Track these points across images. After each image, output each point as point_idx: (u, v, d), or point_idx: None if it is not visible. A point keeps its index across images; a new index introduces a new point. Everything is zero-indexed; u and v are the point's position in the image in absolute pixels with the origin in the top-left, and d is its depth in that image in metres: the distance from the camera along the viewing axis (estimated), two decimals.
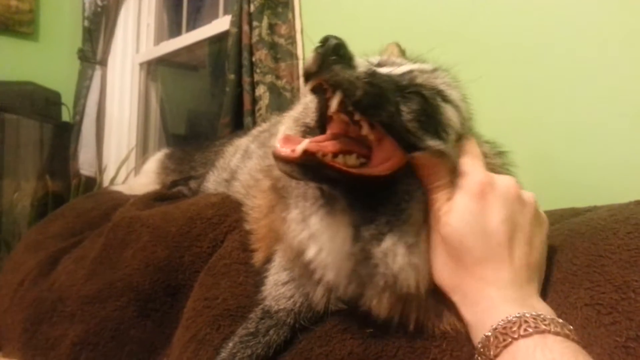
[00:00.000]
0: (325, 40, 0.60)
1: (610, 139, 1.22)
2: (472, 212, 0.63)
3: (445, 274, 0.65)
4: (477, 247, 0.63)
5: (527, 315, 0.57)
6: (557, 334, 0.55)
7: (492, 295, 0.61)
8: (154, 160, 1.97)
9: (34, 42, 3.92)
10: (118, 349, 1.08)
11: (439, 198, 0.65)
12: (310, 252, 0.71)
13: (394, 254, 0.65)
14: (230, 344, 0.82)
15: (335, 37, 0.61)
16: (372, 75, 0.62)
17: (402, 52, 0.78)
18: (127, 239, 1.24)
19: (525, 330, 0.55)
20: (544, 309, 0.60)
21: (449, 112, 0.69)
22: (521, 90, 1.38)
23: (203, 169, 1.68)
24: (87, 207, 1.74)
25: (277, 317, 0.82)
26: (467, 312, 0.63)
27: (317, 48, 0.61)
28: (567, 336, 0.56)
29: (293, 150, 0.61)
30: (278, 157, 0.62)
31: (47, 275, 1.37)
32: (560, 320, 0.58)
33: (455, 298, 0.64)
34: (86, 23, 3.51)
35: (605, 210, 0.78)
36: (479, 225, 0.63)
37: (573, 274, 0.67)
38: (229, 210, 1.21)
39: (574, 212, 0.89)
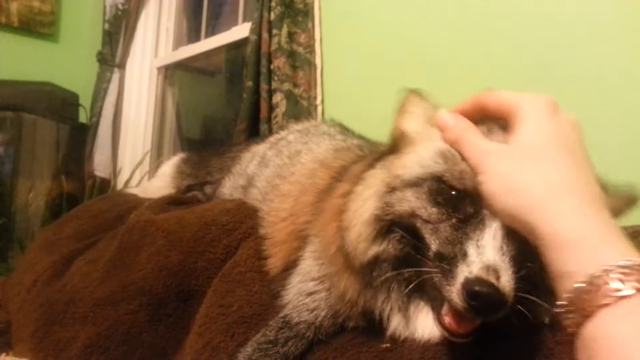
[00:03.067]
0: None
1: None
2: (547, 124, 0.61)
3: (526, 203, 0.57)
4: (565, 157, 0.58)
5: (635, 265, 0.47)
6: None
7: (586, 218, 0.53)
8: (170, 164, 1.97)
9: (54, 43, 3.96)
10: (129, 352, 1.07)
11: None
12: None
13: None
14: (249, 349, 0.81)
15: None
16: None
17: (424, 100, 0.75)
18: (141, 242, 1.24)
19: (634, 287, 0.46)
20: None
21: None
22: None
23: (219, 175, 1.67)
24: (102, 209, 1.74)
25: (297, 329, 0.81)
26: (551, 240, 0.53)
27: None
28: None
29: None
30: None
31: (60, 276, 1.37)
32: None
33: (535, 220, 0.55)
34: (106, 26, 3.54)
35: None
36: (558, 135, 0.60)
37: None
38: (243, 217, 1.21)
39: None
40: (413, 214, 0.67)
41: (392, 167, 0.74)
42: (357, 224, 0.72)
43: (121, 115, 3.56)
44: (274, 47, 2.08)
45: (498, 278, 0.56)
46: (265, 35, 2.11)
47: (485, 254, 0.59)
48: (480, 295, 0.56)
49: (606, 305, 0.47)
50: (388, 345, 0.73)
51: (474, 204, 0.63)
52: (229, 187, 1.50)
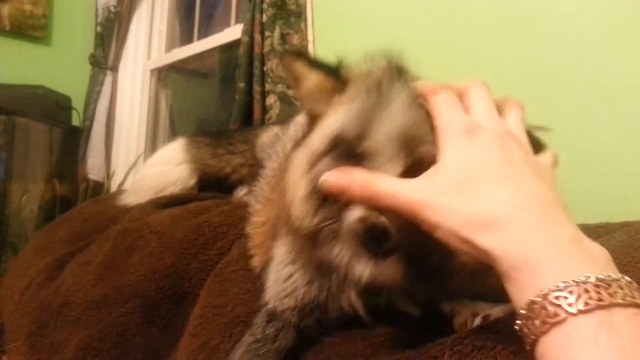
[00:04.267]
0: None
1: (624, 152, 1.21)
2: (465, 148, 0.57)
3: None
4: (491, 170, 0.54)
5: (589, 281, 0.44)
6: (626, 305, 0.43)
7: (535, 241, 0.49)
8: (175, 145, 1.82)
9: (46, 47, 3.95)
10: (122, 355, 1.07)
11: None
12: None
13: None
14: (238, 354, 0.79)
15: None
16: None
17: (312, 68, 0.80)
18: (135, 244, 1.24)
19: (585, 303, 0.43)
20: (601, 261, 0.48)
21: None
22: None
23: (244, 146, 1.63)
24: (95, 211, 1.73)
25: (283, 318, 0.80)
26: (505, 271, 0.50)
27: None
28: (637, 306, 0.43)
29: None
30: None
31: (53, 279, 1.37)
32: (627, 280, 0.45)
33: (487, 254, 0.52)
34: (99, 29, 3.54)
35: (621, 232, 0.77)
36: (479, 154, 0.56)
37: None
38: (237, 220, 1.21)
39: (585, 229, 0.88)
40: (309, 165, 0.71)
41: (308, 143, 0.76)
42: (296, 204, 0.74)
43: (114, 118, 3.55)
44: (266, 49, 2.08)
45: (378, 215, 0.60)
46: (257, 37, 2.12)
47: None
48: (364, 227, 0.61)
49: (544, 332, 0.45)
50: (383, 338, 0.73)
51: (366, 162, 0.65)
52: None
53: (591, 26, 1.29)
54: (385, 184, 0.59)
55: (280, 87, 2.06)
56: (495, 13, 1.48)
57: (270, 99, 2.07)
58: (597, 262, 0.47)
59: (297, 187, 0.75)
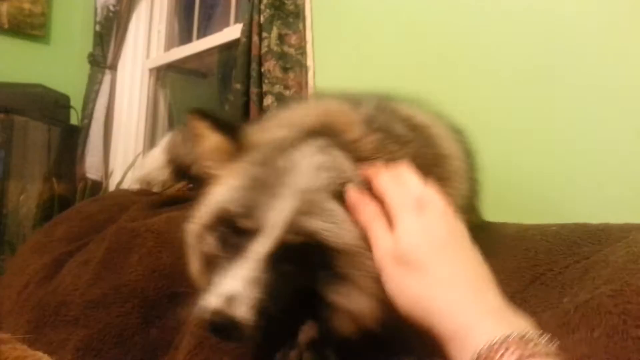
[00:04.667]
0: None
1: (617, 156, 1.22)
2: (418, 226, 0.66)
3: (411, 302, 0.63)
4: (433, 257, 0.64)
5: (512, 337, 0.53)
6: (546, 355, 0.52)
7: (467, 310, 0.58)
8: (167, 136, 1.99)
9: (45, 45, 3.95)
10: (121, 355, 1.08)
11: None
12: None
13: None
14: None
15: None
16: None
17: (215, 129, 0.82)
18: (131, 243, 1.24)
19: (512, 354, 0.52)
20: (523, 324, 0.57)
21: None
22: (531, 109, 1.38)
23: None
24: (93, 210, 1.74)
25: None
26: (444, 336, 0.59)
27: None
28: (557, 356, 0.52)
29: None
30: None
31: (51, 278, 1.37)
32: (547, 337, 0.54)
33: (428, 322, 0.61)
34: (97, 28, 3.54)
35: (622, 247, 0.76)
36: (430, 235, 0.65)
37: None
38: None
39: (584, 232, 0.88)
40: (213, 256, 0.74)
41: (197, 215, 0.79)
42: (194, 275, 0.81)
43: (113, 117, 3.55)
44: (264, 50, 2.08)
45: (231, 307, 0.61)
46: (255, 38, 2.12)
47: (226, 283, 0.64)
48: (210, 322, 0.62)
49: None
50: None
51: (247, 237, 0.68)
52: None
53: (591, 26, 1.29)
54: (380, 230, 0.68)
55: (277, 88, 2.06)
56: (494, 13, 1.48)
57: (268, 100, 2.07)
58: (519, 325, 0.55)
59: (192, 262, 0.81)
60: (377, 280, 0.68)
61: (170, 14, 3.58)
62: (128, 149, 3.51)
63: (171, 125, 3.61)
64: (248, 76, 2.15)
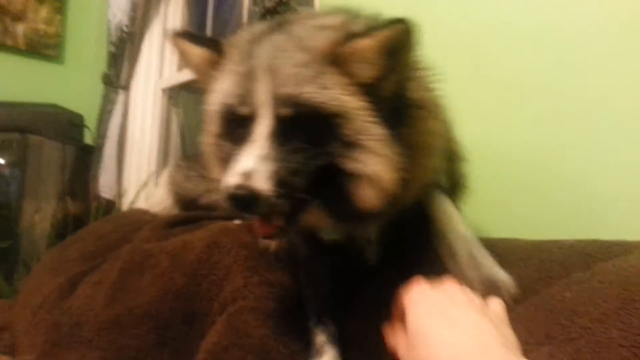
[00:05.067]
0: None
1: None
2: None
3: None
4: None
5: None
6: None
7: None
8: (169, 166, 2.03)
9: (59, 65, 4.00)
10: None
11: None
12: None
13: None
14: None
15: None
16: None
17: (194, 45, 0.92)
18: (145, 264, 1.25)
19: None
20: None
21: None
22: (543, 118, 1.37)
23: None
24: (107, 230, 1.75)
25: None
26: None
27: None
28: None
29: None
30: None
31: (65, 298, 1.38)
32: None
33: None
34: (111, 48, 3.58)
35: (635, 256, 0.76)
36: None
37: (604, 314, 0.66)
38: (245, 236, 1.21)
39: (600, 246, 0.88)
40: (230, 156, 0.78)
41: (205, 127, 0.89)
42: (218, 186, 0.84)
43: (126, 137, 3.58)
44: None
45: (249, 180, 0.68)
46: None
47: (240, 163, 0.70)
48: (232, 196, 0.68)
49: None
50: None
51: (250, 124, 0.74)
52: None
53: (592, 29, 1.28)
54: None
55: None
56: (512, 10, 1.46)
57: None
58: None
59: (212, 172, 0.89)
60: (386, 142, 0.74)
61: None
62: (141, 168, 3.53)
63: (183, 144, 3.63)
64: None
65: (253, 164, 0.69)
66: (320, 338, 0.92)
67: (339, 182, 0.75)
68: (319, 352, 0.91)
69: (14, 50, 3.76)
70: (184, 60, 0.92)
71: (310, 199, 0.75)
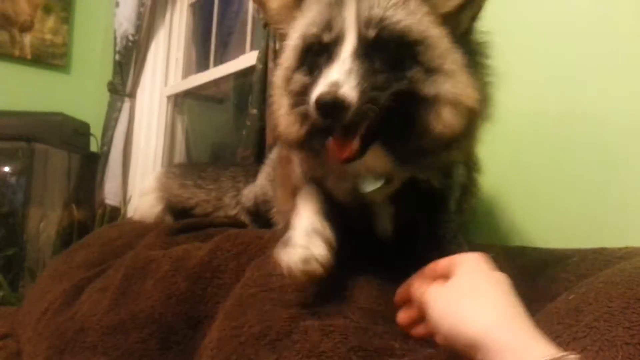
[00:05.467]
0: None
1: None
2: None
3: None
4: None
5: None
6: None
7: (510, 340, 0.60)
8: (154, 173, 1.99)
9: (65, 75, 4.04)
10: None
11: None
12: None
13: None
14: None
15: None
16: None
17: None
18: (146, 268, 1.25)
19: None
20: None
21: None
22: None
23: (212, 184, 1.77)
24: (112, 236, 1.75)
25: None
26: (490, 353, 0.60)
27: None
28: None
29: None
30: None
31: (70, 304, 1.38)
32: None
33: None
34: (117, 57, 3.61)
35: (638, 259, 0.76)
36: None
37: (609, 313, 0.65)
38: (249, 242, 1.21)
39: (605, 254, 0.88)
40: (303, 87, 0.85)
41: (280, 64, 0.93)
42: (281, 119, 0.91)
43: (131, 144, 3.60)
44: None
45: (338, 89, 0.72)
46: (271, 64, 2.14)
47: (329, 75, 0.74)
48: (322, 101, 0.72)
49: None
50: None
51: (334, 49, 0.79)
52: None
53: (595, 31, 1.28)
54: (434, 290, 0.72)
55: None
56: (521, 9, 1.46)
57: None
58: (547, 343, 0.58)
59: (280, 105, 0.92)
60: (465, 68, 0.79)
61: (187, 42, 3.64)
62: (146, 175, 3.54)
63: (188, 150, 3.65)
64: (264, 102, 2.18)
65: (341, 76, 0.74)
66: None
67: (415, 110, 0.79)
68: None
69: (22, 60, 3.81)
70: (262, 9, 0.97)
71: (384, 128, 0.79)
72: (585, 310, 0.68)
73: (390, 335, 0.81)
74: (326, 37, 0.81)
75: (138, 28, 3.47)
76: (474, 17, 0.85)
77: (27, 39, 3.82)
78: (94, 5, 4.15)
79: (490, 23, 0.89)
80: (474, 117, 0.82)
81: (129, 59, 3.54)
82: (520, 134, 1.36)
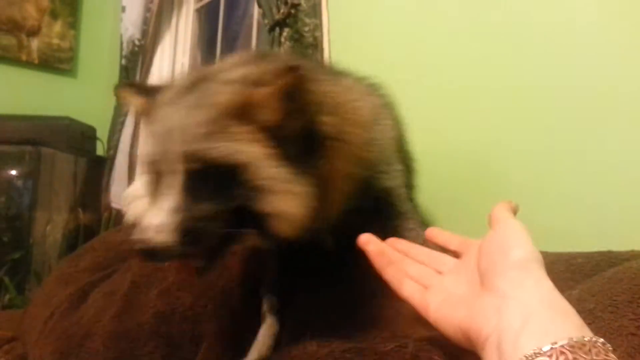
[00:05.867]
0: None
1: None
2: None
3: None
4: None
5: (566, 345, 0.48)
6: None
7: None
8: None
9: (72, 79, 4.07)
10: None
11: None
12: None
13: None
14: None
15: None
16: None
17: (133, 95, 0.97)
18: (153, 276, 1.25)
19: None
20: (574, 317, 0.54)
21: None
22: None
23: None
24: (117, 240, 1.76)
25: None
26: (479, 349, 0.57)
27: None
28: None
29: None
30: None
31: (76, 308, 1.39)
32: (601, 341, 0.51)
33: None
34: (123, 61, 3.63)
35: None
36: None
37: (613, 306, 0.67)
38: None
39: (611, 256, 0.88)
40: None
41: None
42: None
43: (137, 148, 3.61)
44: None
45: (156, 234, 0.72)
46: None
47: (147, 218, 0.74)
48: (139, 247, 0.73)
49: None
50: None
51: (166, 178, 0.79)
52: None
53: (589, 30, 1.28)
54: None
55: None
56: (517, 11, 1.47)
57: None
58: (573, 322, 0.52)
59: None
60: (293, 181, 0.78)
61: (193, 47, 3.66)
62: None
63: None
64: None
65: (159, 218, 0.74)
66: (264, 308, 1.02)
67: (257, 219, 0.80)
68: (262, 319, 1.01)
69: (29, 64, 3.83)
70: (129, 110, 1.03)
71: (232, 234, 0.80)
72: (591, 301, 0.69)
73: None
74: (160, 168, 0.81)
75: (144, 33, 3.49)
76: (307, 119, 0.82)
77: (34, 43, 3.85)
78: (100, 10, 4.18)
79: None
80: (305, 226, 0.82)
81: (135, 64, 3.56)
82: (531, 134, 1.37)
